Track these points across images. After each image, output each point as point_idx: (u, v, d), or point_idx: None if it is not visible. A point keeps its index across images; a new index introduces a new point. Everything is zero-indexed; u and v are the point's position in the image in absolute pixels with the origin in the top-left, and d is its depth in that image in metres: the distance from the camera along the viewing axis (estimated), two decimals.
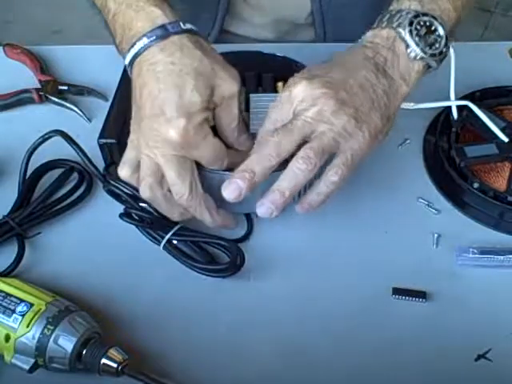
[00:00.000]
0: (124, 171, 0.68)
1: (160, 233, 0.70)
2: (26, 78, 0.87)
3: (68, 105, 0.84)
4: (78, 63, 0.89)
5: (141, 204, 0.70)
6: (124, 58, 0.66)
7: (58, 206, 0.74)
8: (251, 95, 0.74)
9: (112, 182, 0.71)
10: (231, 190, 0.62)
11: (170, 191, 0.67)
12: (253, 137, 0.68)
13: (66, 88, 0.85)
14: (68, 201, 0.75)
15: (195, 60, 0.63)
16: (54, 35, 2.12)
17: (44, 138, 0.75)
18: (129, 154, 0.68)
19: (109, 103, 0.84)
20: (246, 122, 0.71)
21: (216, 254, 0.71)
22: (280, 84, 0.78)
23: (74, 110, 0.84)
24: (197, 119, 0.63)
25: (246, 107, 0.73)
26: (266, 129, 0.66)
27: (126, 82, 0.79)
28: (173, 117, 0.62)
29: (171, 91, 0.62)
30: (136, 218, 0.71)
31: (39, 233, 0.73)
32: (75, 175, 0.77)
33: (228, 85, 0.65)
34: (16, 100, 0.84)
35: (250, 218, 0.75)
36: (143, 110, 0.64)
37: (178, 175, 0.65)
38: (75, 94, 0.86)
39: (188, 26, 0.65)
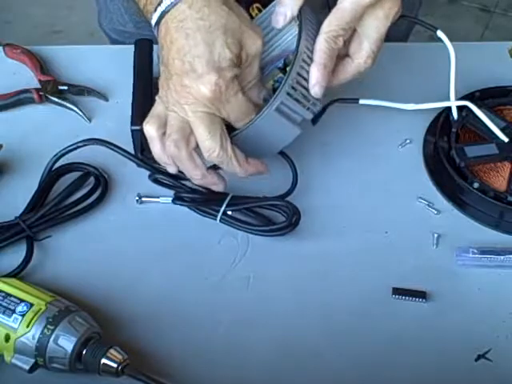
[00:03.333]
0: (149, 124, 0.68)
1: (214, 208, 0.73)
2: (26, 78, 0.87)
3: (68, 105, 0.84)
4: (78, 63, 0.89)
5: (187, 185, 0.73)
6: (150, 20, 0.66)
7: (71, 211, 0.74)
8: None
9: (158, 172, 0.73)
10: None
11: (195, 151, 0.67)
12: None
13: (65, 88, 0.85)
14: (81, 206, 0.74)
15: (223, 16, 0.63)
16: (54, 35, 2.12)
17: (77, 146, 0.74)
18: (157, 109, 0.68)
19: (109, 103, 0.85)
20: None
21: (271, 216, 0.73)
22: (255, 6, 0.74)
23: (74, 110, 0.84)
24: (228, 75, 0.63)
25: None
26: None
27: (141, 65, 0.82)
28: (204, 72, 0.62)
29: (201, 47, 0.62)
30: (187, 199, 0.73)
31: (49, 236, 0.73)
32: (91, 180, 0.76)
33: (254, 42, 0.65)
34: (16, 100, 0.84)
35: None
36: (172, 67, 0.64)
37: (209, 131, 0.65)
38: (75, 94, 0.85)
39: None
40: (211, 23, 0.63)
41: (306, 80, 0.68)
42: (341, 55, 0.70)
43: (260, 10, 0.73)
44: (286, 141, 0.71)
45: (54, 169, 0.75)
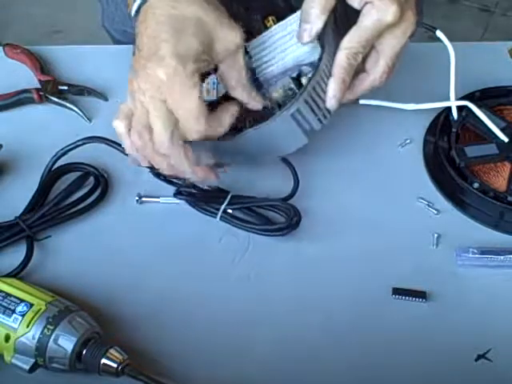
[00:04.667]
0: (119, 120, 0.66)
1: (214, 205, 0.73)
2: (26, 78, 0.87)
3: (68, 105, 0.84)
4: (78, 63, 0.89)
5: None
6: (130, 12, 0.67)
7: (71, 211, 0.74)
8: (246, 44, 0.72)
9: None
10: None
11: None
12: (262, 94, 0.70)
13: (65, 88, 0.85)
14: (80, 206, 0.74)
15: (199, 8, 0.63)
16: (54, 35, 2.12)
17: (77, 144, 0.75)
18: (127, 105, 0.66)
19: (109, 103, 0.85)
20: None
21: (272, 216, 0.74)
22: (271, 18, 0.76)
23: (74, 110, 0.84)
24: (189, 66, 0.62)
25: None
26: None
27: None
28: (165, 56, 0.62)
29: (170, 33, 0.62)
30: (189, 193, 0.73)
31: (49, 236, 0.73)
32: (91, 180, 0.76)
33: (232, 36, 0.65)
34: (16, 100, 0.84)
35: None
36: (141, 51, 0.64)
37: (163, 121, 0.63)
38: (75, 94, 0.85)
39: None
40: (185, 13, 0.63)
41: (323, 91, 0.68)
42: (357, 70, 0.71)
43: (274, 22, 0.75)
44: (291, 147, 0.71)
45: (53, 169, 0.75)
